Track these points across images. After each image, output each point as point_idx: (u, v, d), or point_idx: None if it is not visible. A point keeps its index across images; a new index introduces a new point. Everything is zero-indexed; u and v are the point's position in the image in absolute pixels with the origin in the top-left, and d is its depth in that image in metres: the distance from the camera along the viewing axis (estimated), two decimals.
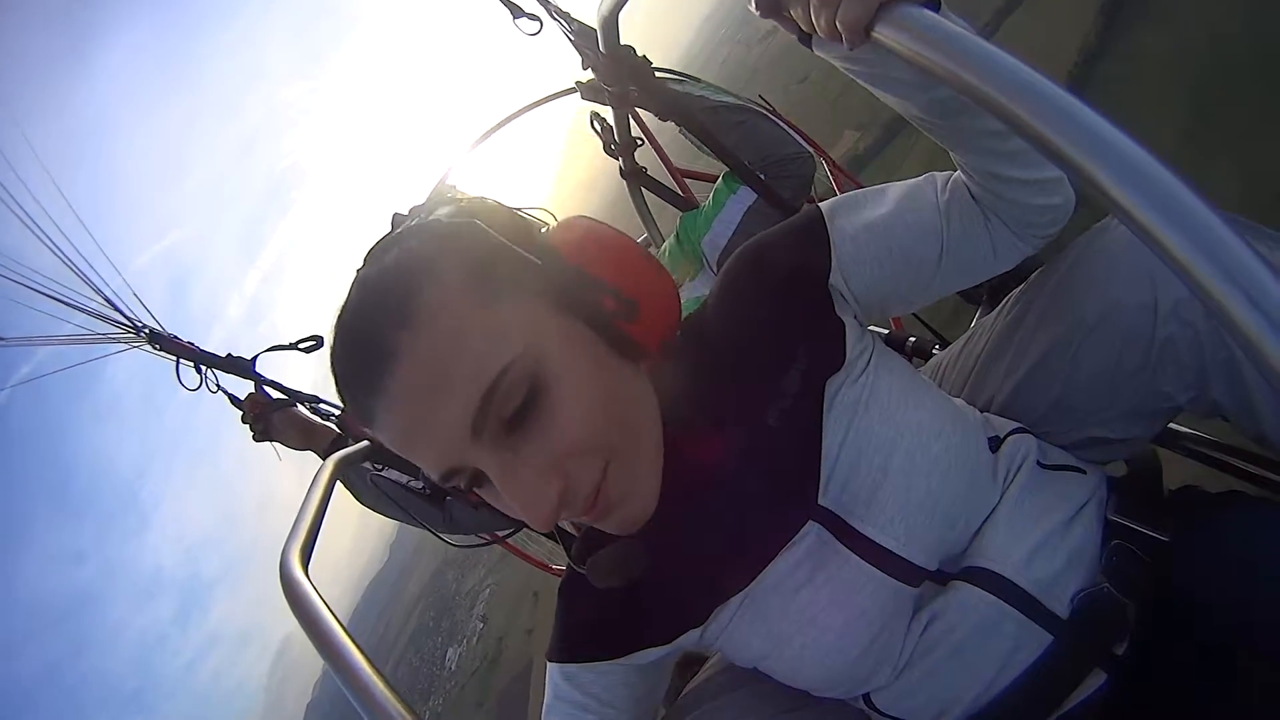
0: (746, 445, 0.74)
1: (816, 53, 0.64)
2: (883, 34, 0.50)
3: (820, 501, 0.73)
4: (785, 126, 1.40)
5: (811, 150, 1.43)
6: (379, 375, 0.58)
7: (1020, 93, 0.41)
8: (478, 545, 0.85)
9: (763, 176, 1.35)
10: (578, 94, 1.39)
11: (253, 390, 1.69)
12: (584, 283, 0.65)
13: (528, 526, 0.71)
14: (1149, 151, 0.39)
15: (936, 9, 0.49)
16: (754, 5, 0.61)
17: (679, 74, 1.41)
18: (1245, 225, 0.36)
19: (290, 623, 0.75)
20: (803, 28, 0.59)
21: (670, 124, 1.58)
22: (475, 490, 0.64)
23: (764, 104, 1.66)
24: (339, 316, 0.63)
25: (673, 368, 0.75)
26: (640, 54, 1.32)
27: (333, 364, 0.64)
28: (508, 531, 0.80)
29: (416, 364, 0.57)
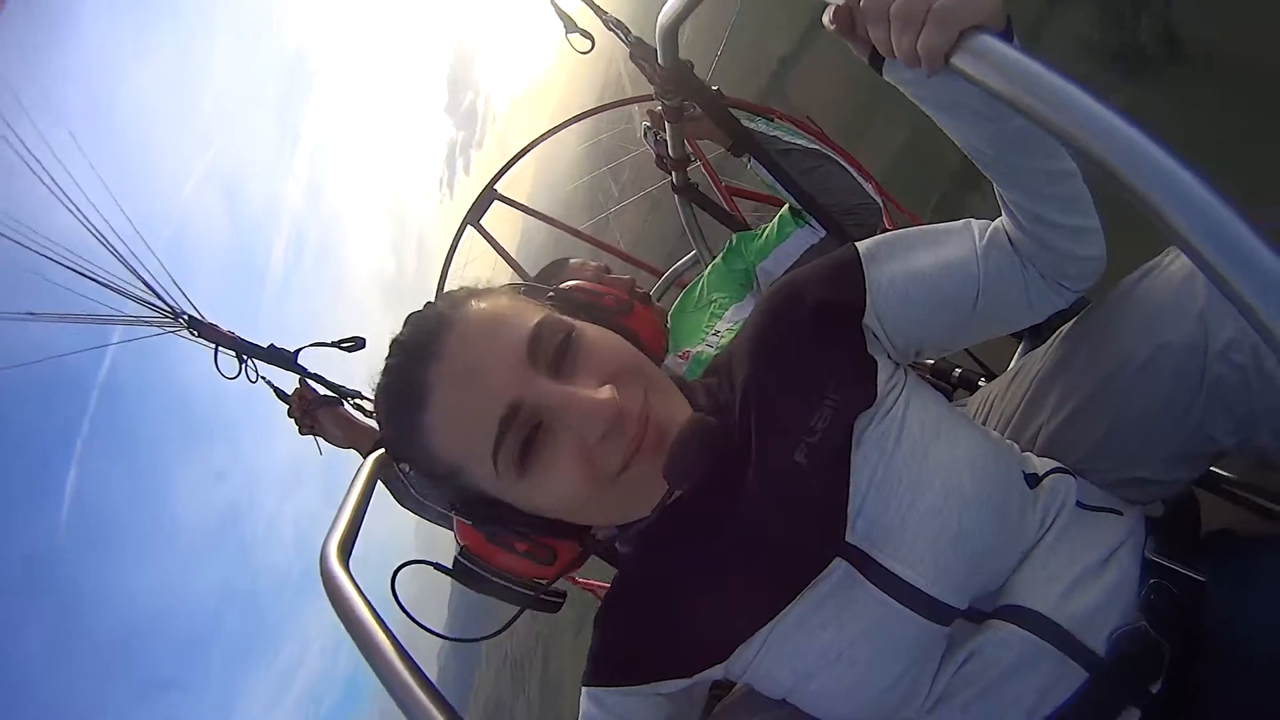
0: (773, 483, 0.74)
1: (885, 77, 0.65)
2: (962, 63, 0.51)
3: (847, 538, 0.72)
4: (854, 172, 1.41)
5: (880, 199, 1.43)
6: (437, 342, 0.67)
7: (1099, 130, 0.43)
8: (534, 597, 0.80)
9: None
10: (642, 102, 1.42)
11: (299, 385, 1.69)
12: (585, 294, 0.82)
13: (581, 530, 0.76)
14: (1220, 196, 0.40)
15: (1009, 39, 0.51)
16: (829, 21, 0.63)
17: (751, 108, 1.42)
18: None
19: None
20: (879, 50, 0.61)
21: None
22: (525, 452, 0.65)
23: (813, 124, 1.67)
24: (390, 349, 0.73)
25: (701, 401, 0.77)
26: (715, 87, 1.35)
27: (385, 371, 0.72)
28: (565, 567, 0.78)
29: (470, 326, 0.68)
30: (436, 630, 0.88)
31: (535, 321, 0.67)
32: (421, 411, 0.66)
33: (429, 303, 0.75)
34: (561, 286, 0.82)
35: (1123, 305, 0.79)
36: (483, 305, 0.70)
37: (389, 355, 0.72)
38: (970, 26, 0.52)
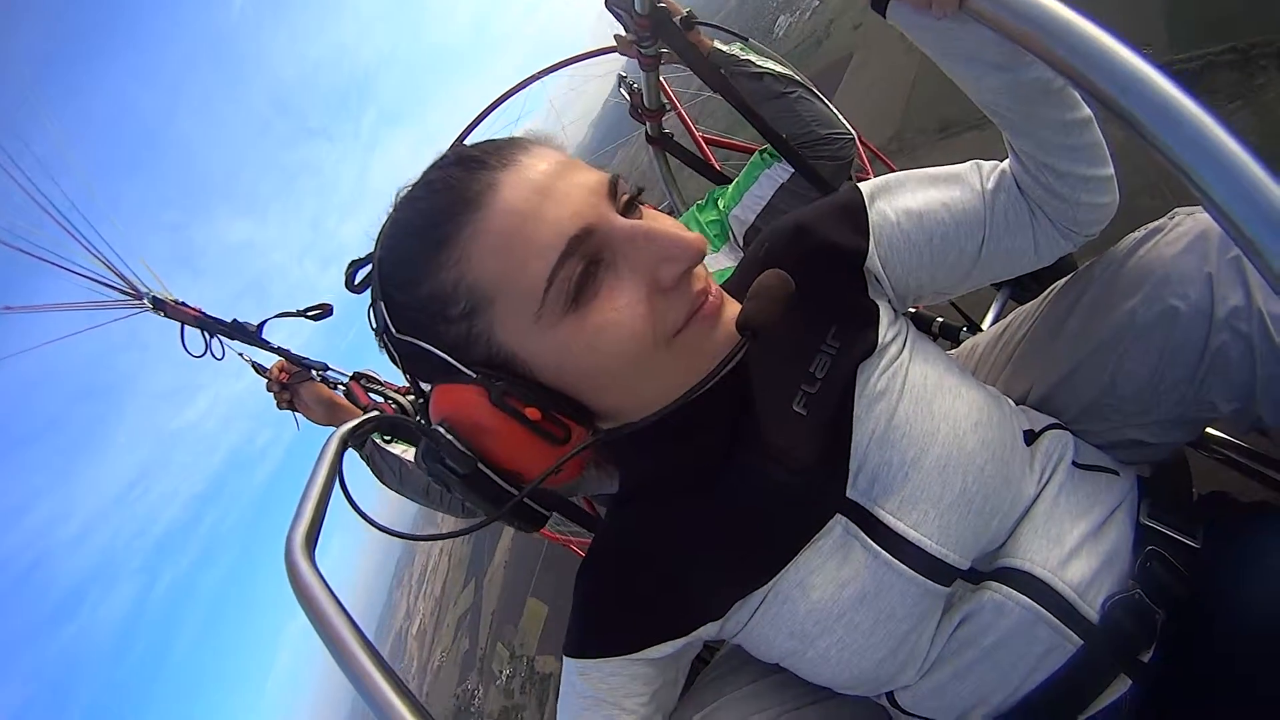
0: (770, 435, 0.70)
1: (890, 20, 0.61)
2: (979, 5, 0.47)
3: (848, 494, 0.69)
4: (829, 106, 1.35)
5: (854, 133, 1.38)
6: (510, 154, 0.59)
7: (1129, 80, 0.40)
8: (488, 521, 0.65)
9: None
10: (614, 53, 1.36)
11: (281, 360, 1.63)
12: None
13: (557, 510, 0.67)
14: (1248, 148, 0.39)
15: None
16: None
17: (728, 31, 1.35)
18: None
19: None
20: None
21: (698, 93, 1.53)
22: (583, 285, 0.56)
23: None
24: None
25: None
26: (686, 9, 1.29)
27: (420, 183, 0.61)
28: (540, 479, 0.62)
29: (546, 154, 0.60)
30: (385, 525, 0.74)
31: (610, 174, 0.60)
32: (470, 217, 0.55)
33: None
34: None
35: (1125, 266, 0.76)
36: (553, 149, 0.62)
37: (430, 168, 0.62)
38: None
